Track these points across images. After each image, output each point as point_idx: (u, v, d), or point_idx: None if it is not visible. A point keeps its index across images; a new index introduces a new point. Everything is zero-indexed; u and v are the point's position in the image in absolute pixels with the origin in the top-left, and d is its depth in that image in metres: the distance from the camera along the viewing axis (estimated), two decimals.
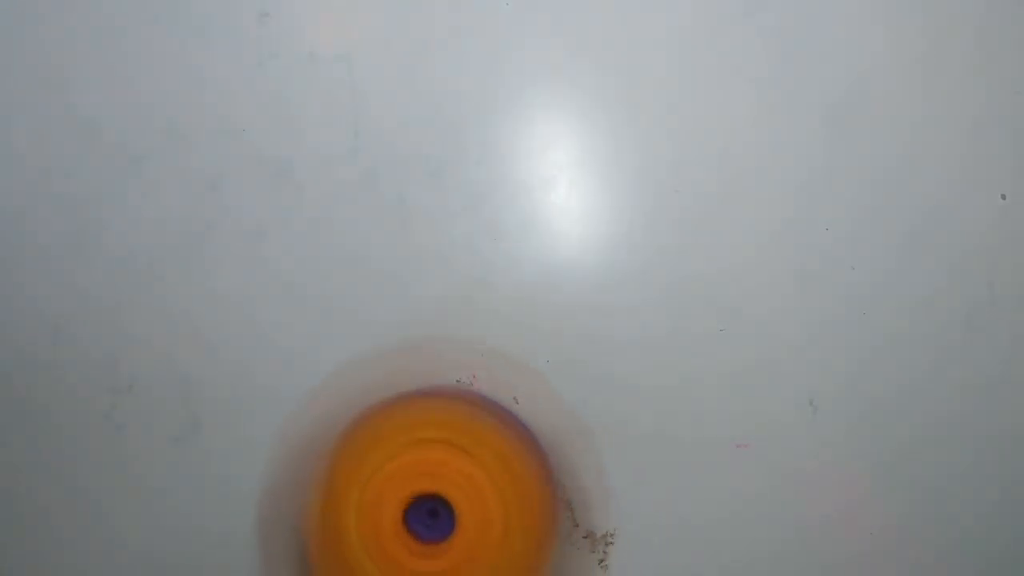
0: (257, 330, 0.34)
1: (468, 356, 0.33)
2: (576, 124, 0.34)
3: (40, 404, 0.33)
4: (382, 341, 0.33)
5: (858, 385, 0.33)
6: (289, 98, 0.35)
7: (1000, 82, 0.34)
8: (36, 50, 0.35)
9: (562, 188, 0.34)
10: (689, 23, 0.35)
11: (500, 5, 0.35)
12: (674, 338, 0.33)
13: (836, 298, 0.34)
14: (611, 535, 0.33)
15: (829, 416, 0.33)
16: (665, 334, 0.33)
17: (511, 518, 0.29)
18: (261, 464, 0.33)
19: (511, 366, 0.33)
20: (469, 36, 0.35)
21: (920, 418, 0.33)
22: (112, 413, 0.33)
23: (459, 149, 0.34)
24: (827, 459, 0.33)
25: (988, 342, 0.33)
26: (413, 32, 0.35)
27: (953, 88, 0.34)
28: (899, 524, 0.33)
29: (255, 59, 0.35)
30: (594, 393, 0.33)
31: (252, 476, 0.33)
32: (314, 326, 0.33)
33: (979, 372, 0.33)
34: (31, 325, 0.34)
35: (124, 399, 0.33)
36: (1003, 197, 0.34)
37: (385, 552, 0.29)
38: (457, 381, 0.33)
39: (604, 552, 0.33)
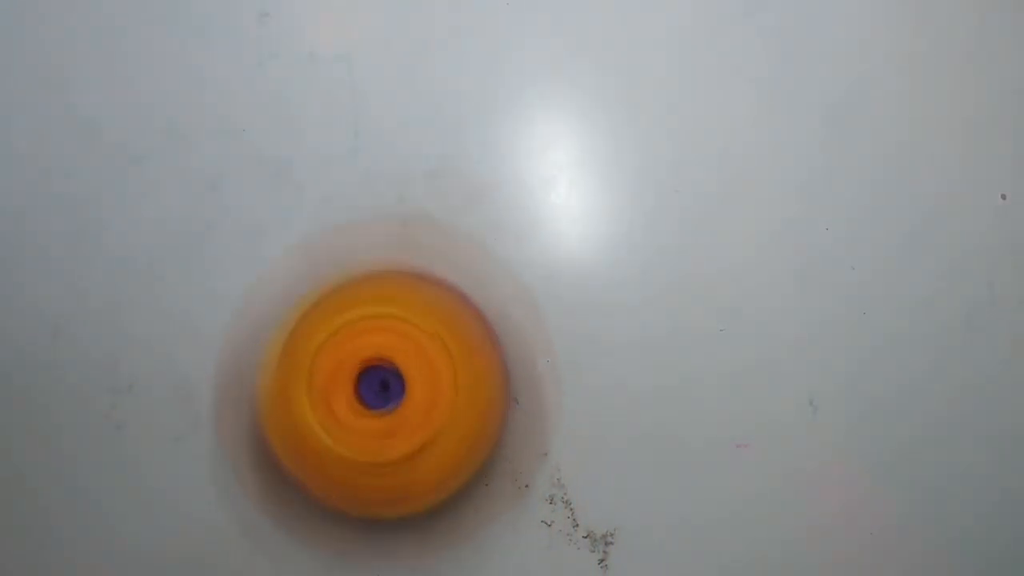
0: (258, 329, 0.34)
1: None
2: (576, 124, 0.34)
3: (40, 404, 0.33)
4: None
5: (858, 385, 0.33)
6: (289, 98, 0.35)
7: (1000, 82, 0.34)
8: (36, 50, 0.35)
9: (562, 188, 0.34)
10: (689, 23, 0.35)
11: (500, 5, 0.35)
12: (674, 338, 0.33)
13: (836, 298, 0.34)
14: (611, 535, 0.33)
15: (829, 416, 0.33)
16: (665, 334, 0.33)
17: (460, 385, 0.30)
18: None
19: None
20: (469, 36, 0.35)
21: (920, 418, 0.33)
22: (112, 413, 0.33)
23: (459, 149, 0.34)
24: (827, 459, 0.33)
25: (988, 342, 0.33)
26: (413, 32, 0.35)
27: (953, 88, 0.34)
28: (899, 524, 0.33)
29: (255, 59, 0.35)
30: (595, 392, 0.33)
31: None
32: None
33: (979, 372, 0.33)
34: (31, 325, 0.34)
35: (124, 399, 0.33)
36: (1003, 197, 0.34)
37: (336, 419, 0.29)
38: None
39: (604, 552, 0.33)
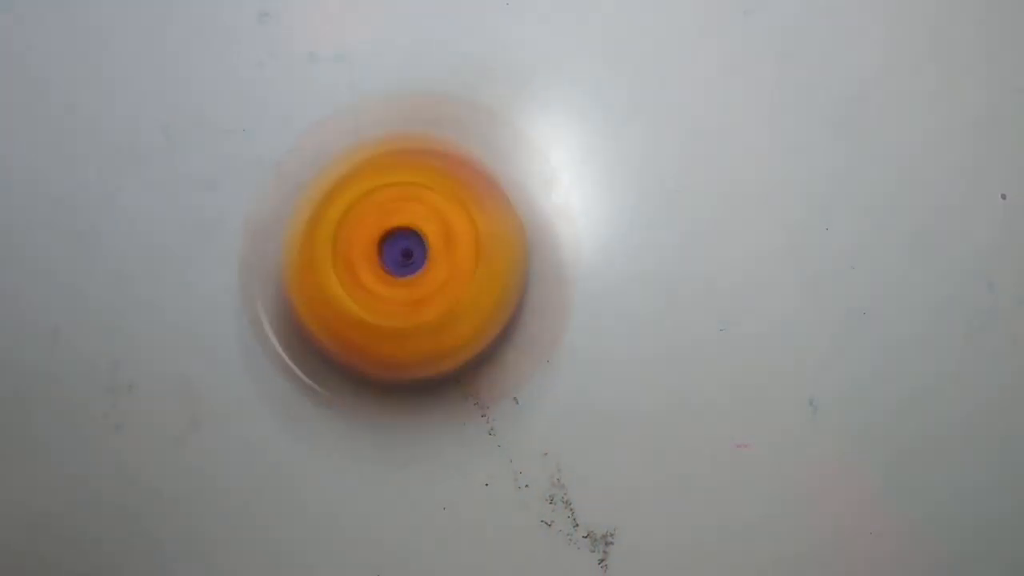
0: (258, 329, 0.34)
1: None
2: (576, 124, 0.34)
3: (40, 404, 0.33)
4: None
5: (858, 385, 0.33)
6: (289, 98, 0.35)
7: (1000, 82, 0.34)
8: (36, 50, 0.35)
9: (562, 188, 0.34)
10: (692, 23, 0.35)
11: (500, 5, 0.35)
12: (674, 338, 0.33)
13: (836, 298, 0.34)
14: (611, 535, 0.33)
15: (829, 416, 0.33)
16: (665, 334, 0.33)
17: (482, 251, 0.30)
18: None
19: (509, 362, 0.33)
20: (469, 36, 0.35)
21: (920, 418, 0.33)
22: (112, 413, 0.33)
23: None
24: (827, 459, 0.33)
25: (988, 342, 0.33)
26: (413, 32, 0.35)
27: (953, 88, 0.34)
28: (899, 524, 0.33)
29: (255, 59, 0.35)
30: (594, 391, 0.33)
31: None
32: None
33: (979, 372, 0.33)
34: (31, 325, 0.34)
35: (124, 399, 0.33)
36: (1003, 197, 0.34)
37: (361, 286, 0.30)
38: (457, 382, 0.33)
39: (604, 552, 0.33)
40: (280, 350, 0.33)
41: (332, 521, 0.33)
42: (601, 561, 0.33)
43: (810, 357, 0.33)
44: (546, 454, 0.33)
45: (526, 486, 0.33)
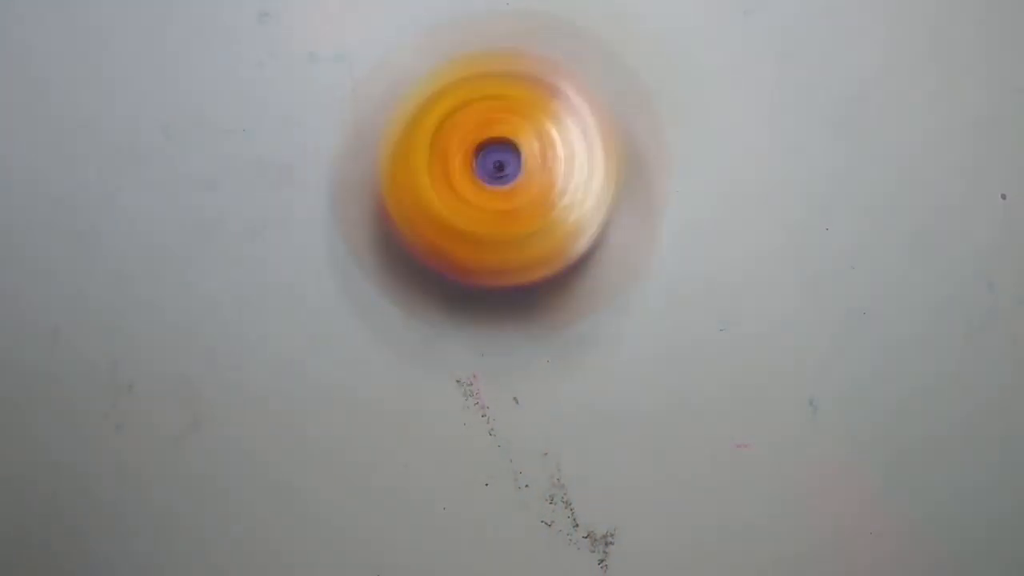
0: (258, 329, 0.34)
1: None
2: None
3: (40, 404, 0.33)
4: (384, 343, 0.33)
5: (858, 385, 0.33)
6: (289, 98, 0.35)
7: (1000, 82, 0.34)
8: (36, 50, 0.35)
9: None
10: (691, 23, 0.35)
11: (500, 5, 0.35)
12: (674, 338, 0.33)
13: (836, 298, 0.34)
14: (611, 535, 0.33)
15: (829, 416, 0.33)
16: (665, 334, 0.33)
17: (575, 165, 0.31)
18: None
19: (510, 362, 0.33)
20: (469, 36, 0.35)
21: (920, 418, 0.33)
22: (112, 413, 0.33)
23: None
24: (827, 459, 0.33)
25: (988, 342, 0.33)
26: (413, 32, 0.35)
27: (953, 88, 0.34)
28: (899, 524, 0.33)
29: (255, 59, 0.35)
30: (594, 390, 0.33)
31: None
32: (314, 326, 0.33)
33: (979, 372, 0.33)
34: (31, 325, 0.34)
35: (124, 399, 0.33)
36: (1003, 197, 0.34)
37: (456, 194, 0.31)
38: (457, 382, 0.33)
39: (604, 552, 0.33)
40: (372, 262, 0.34)
41: (422, 430, 0.33)
42: (601, 561, 0.33)
43: (810, 357, 0.33)
44: (546, 454, 0.33)
45: (526, 486, 0.33)
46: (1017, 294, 0.34)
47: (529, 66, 0.33)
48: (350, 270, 0.34)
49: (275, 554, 0.33)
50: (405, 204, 0.32)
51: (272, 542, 0.33)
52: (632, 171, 0.33)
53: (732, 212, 0.34)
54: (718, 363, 0.33)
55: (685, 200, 0.34)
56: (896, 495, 0.33)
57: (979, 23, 0.35)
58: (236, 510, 0.33)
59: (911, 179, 0.34)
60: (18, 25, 0.35)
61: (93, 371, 0.33)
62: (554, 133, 0.31)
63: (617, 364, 0.33)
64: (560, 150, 0.31)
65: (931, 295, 0.33)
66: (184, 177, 0.34)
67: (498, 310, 0.33)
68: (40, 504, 0.33)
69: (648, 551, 0.33)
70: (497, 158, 0.32)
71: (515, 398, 0.33)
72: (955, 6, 0.35)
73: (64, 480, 0.33)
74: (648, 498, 0.33)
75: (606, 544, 0.33)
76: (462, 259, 0.31)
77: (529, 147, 0.31)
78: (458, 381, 0.33)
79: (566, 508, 0.33)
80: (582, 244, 0.32)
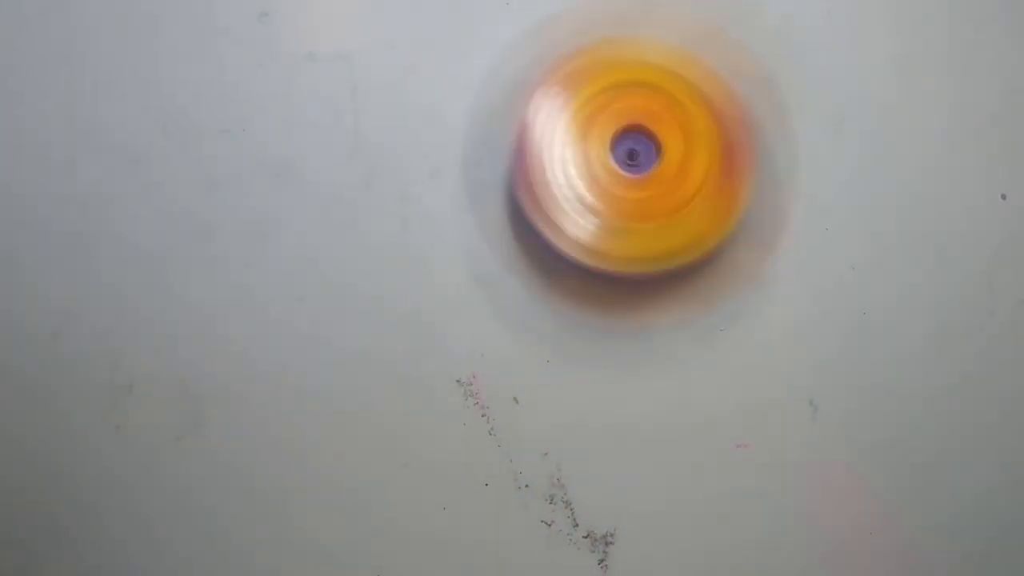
0: (258, 330, 0.34)
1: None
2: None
3: (40, 404, 0.33)
4: (384, 343, 0.33)
5: (858, 385, 0.33)
6: (289, 98, 0.35)
7: (1000, 82, 0.34)
8: (36, 50, 0.35)
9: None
10: (690, 23, 0.35)
11: (500, 5, 0.35)
12: (674, 338, 0.33)
13: (836, 298, 0.34)
14: (611, 535, 0.33)
15: (829, 416, 0.33)
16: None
17: (713, 156, 0.31)
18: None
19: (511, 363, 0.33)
20: (469, 36, 0.35)
21: (920, 418, 0.33)
22: (112, 413, 0.33)
23: (459, 149, 0.34)
24: (827, 459, 0.33)
25: (988, 342, 0.33)
26: (413, 32, 0.35)
27: (954, 88, 0.34)
28: (898, 523, 0.33)
29: (255, 59, 0.35)
30: (596, 389, 0.33)
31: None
32: (314, 327, 0.33)
33: (979, 372, 0.33)
34: (31, 325, 0.34)
35: (124, 399, 0.33)
36: (1003, 197, 0.34)
37: (595, 180, 0.31)
38: (457, 382, 0.33)
39: (604, 552, 0.33)
40: (505, 244, 0.34)
41: (422, 430, 0.33)
42: (601, 561, 0.33)
43: (810, 357, 0.33)
44: (546, 454, 0.33)
45: (526, 486, 0.33)
46: (1017, 294, 0.34)
47: (674, 59, 0.33)
48: (482, 248, 0.34)
49: (275, 554, 0.33)
50: (540, 162, 0.32)
51: (272, 542, 0.33)
52: (575, 510, 0.33)
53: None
54: (718, 363, 0.33)
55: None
56: (896, 494, 0.33)
57: (980, 24, 0.35)
58: (236, 510, 0.33)
59: (912, 179, 0.34)
60: (18, 25, 0.35)
61: (93, 371, 0.33)
62: (700, 130, 0.31)
63: (616, 364, 0.33)
64: (704, 147, 0.31)
65: (931, 295, 0.33)
66: (184, 177, 0.34)
67: (633, 296, 0.33)
68: (40, 504, 0.33)
69: (648, 551, 0.33)
70: (631, 146, 0.32)
71: (515, 398, 0.33)
72: (956, 7, 0.35)
73: (64, 480, 0.33)
74: (648, 498, 0.33)
75: (606, 544, 0.33)
76: (598, 245, 0.31)
77: (672, 140, 0.31)
78: (458, 381, 0.33)
79: (566, 508, 0.33)
80: (720, 231, 0.32)
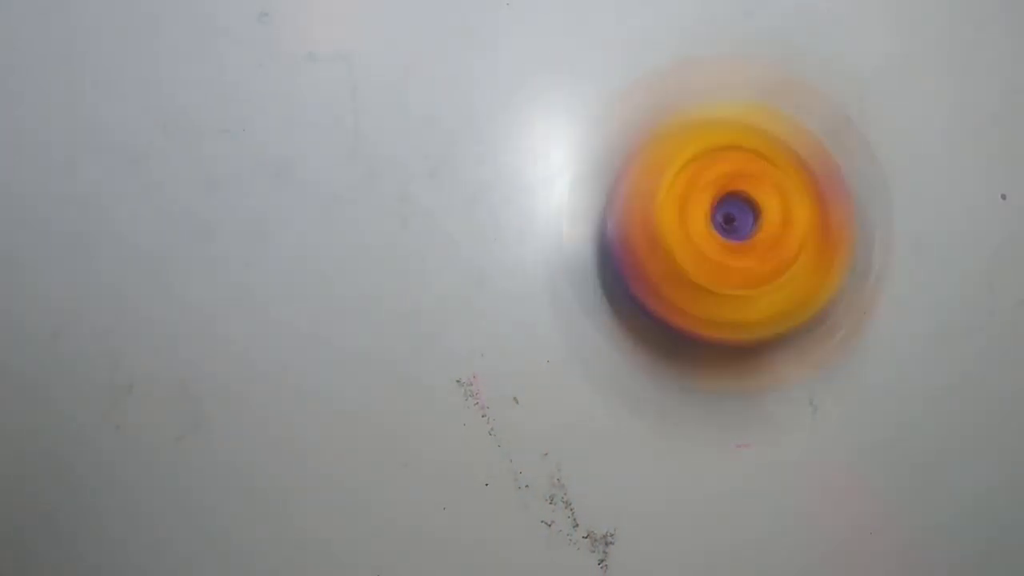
0: (258, 330, 0.34)
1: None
2: (577, 124, 0.34)
3: (40, 404, 0.33)
4: (384, 344, 0.33)
5: (858, 385, 0.33)
6: (289, 98, 0.35)
7: (1000, 82, 0.34)
8: (37, 50, 0.35)
9: (562, 188, 0.34)
10: (691, 23, 0.35)
11: (500, 5, 0.35)
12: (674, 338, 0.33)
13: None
14: (611, 535, 0.33)
15: (829, 416, 0.33)
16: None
17: (813, 226, 0.30)
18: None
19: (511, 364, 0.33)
20: (469, 36, 0.35)
21: (920, 418, 0.33)
22: (112, 413, 0.33)
23: (459, 149, 0.34)
24: (827, 459, 0.33)
25: (988, 342, 0.33)
26: (413, 32, 0.35)
27: (954, 88, 0.34)
28: (898, 523, 0.33)
29: (255, 59, 0.35)
30: (594, 391, 0.33)
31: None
32: (314, 327, 0.33)
33: (979, 372, 0.33)
34: (31, 325, 0.34)
35: (124, 399, 0.33)
36: (1003, 197, 0.34)
37: (695, 247, 0.30)
38: (457, 382, 0.33)
39: (604, 552, 0.33)
40: (602, 315, 0.33)
41: (422, 430, 0.33)
42: (601, 561, 0.33)
43: (810, 357, 0.33)
44: (546, 454, 0.33)
45: (526, 486, 0.33)
46: (1017, 294, 0.34)
47: (776, 123, 0.32)
48: (571, 305, 0.33)
49: (275, 554, 0.33)
50: (640, 236, 0.31)
51: (272, 542, 0.33)
52: (575, 510, 0.33)
53: None
54: (719, 363, 0.33)
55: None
56: (896, 494, 0.33)
57: (980, 23, 0.35)
58: (236, 510, 0.33)
59: (911, 179, 0.34)
60: (18, 25, 0.35)
61: (93, 371, 0.33)
62: (799, 199, 0.30)
63: (616, 365, 0.33)
64: (802, 218, 0.30)
65: (931, 295, 0.33)
66: (184, 177, 0.34)
67: (700, 358, 0.33)
68: (39, 503, 0.33)
69: (648, 551, 0.33)
70: (728, 210, 0.31)
71: (515, 398, 0.33)
72: (956, 7, 0.35)
73: (64, 480, 0.33)
74: (648, 498, 0.33)
75: (606, 544, 0.33)
76: (681, 304, 0.30)
77: (772, 209, 0.30)
78: (458, 381, 0.33)
79: (566, 508, 0.33)
80: (813, 303, 0.31)
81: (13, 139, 0.35)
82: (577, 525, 0.33)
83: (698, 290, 0.30)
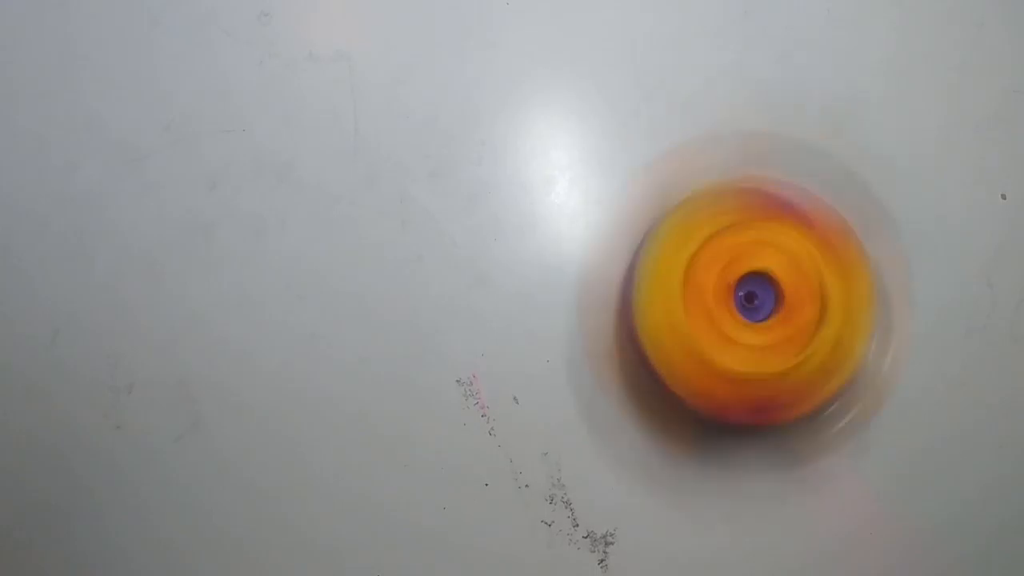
0: (257, 330, 0.34)
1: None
2: (576, 124, 0.34)
3: (40, 404, 0.33)
4: (384, 344, 0.33)
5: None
6: (289, 98, 0.35)
7: (1000, 82, 0.34)
8: (37, 50, 0.35)
9: (562, 188, 0.34)
10: (691, 23, 0.35)
11: (500, 5, 0.35)
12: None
13: None
14: (611, 535, 0.33)
15: (828, 415, 0.33)
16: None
17: (835, 301, 0.29)
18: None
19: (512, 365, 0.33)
20: (469, 36, 0.35)
21: (920, 418, 0.33)
22: (112, 413, 0.33)
23: (459, 149, 0.34)
24: (826, 459, 0.33)
25: (988, 342, 0.33)
26: (413, 32, 0.35)
27: (953, 88, 0.34)
28: (898, 523, 0.33)
29: (255, 59, 0.35)
30: (595, 391, 0.33)
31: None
32: (314, 327, 0.33)
33: (979, 372, 0.33)
34: (31, 325, 0.34)
35: (124, 399, 0.33)
36: (1003, 197, 0.34)
37: (716, 327, 0.29)
38: (457, 381, 0.33)
39: (604, 552, 0.33)
40: (612, 380, 0.33)
41: (422, 430, 0.33)
42: (601, 561, 0.33)
43: None
44: (546, 454, 0.33)
45: (526, 486, 0.33)
46: (1017, 294, 0.34)
47: (782, 192, 0.32)
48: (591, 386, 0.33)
49: (275, 554, 0.33)
50: (656, 328, 0.30)
51: (272, 542, 0.33)
52: (575, 510, 0.33)
53: None
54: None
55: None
56: (895, 494, 0.33)
57: (979, 23, 0.35)
58: (235, 510, 0.33)
59: (911, 179, 0.34)
60: (19, 25, 0.35)
61: (93, 371, 0.33)
62: (815, 269, 0.30)
63: (617, 366, 0.33)
64: (818, 277, 0.29)
65: (931, 295, 0.33)
66: (184, 177, 0.34)
67: (743, 444, 0.33)
68: (40, 503, 0.33)
69: (648, 551, 0.33)
70: (749, 289, 0.30)
71: (515, 398, 0.33)
72: (955, 7, 0.35)
73: (64, 479, 0.33)
74: (648, 498, 0.33)
75: (606, 544, 0.33)
76: (716, 394, 0.30)
77: (790, 279, 0.30)
78: (458, 381, 0.33)
79: (566, 508, 0.33)
80: (837, 383, 0.30)
81: (13, 139, 0.35)
82: (577, 525, 0.33)
83: (728, 376, 0.29)
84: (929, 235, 0.34)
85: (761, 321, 0.30)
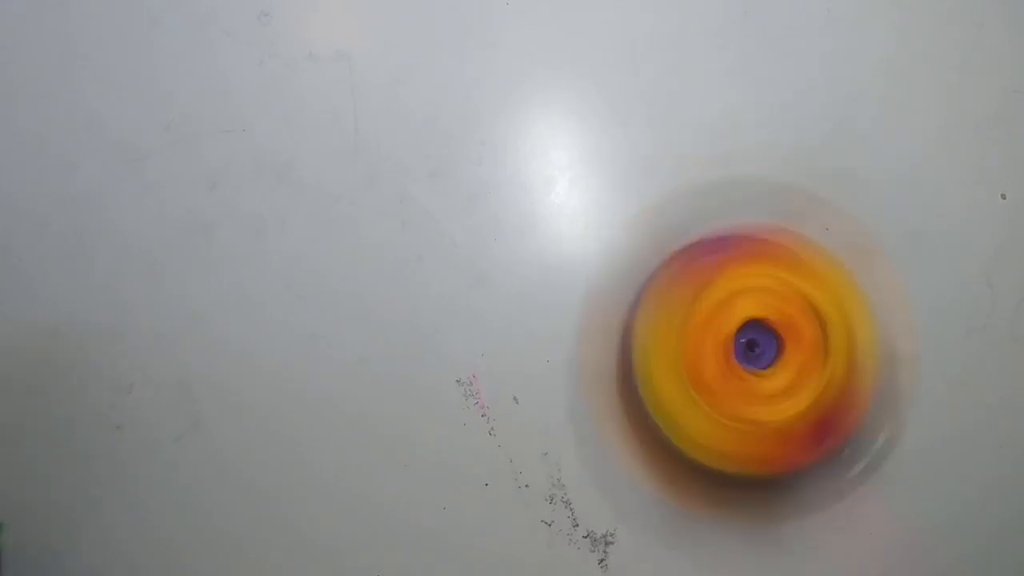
0: (257, 330, 0.34)
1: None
2: (576, 124, 0.34)
3: (40, 403, 0.33)
4: (384, 344, 0.33)
5: None
6: (289, 98, 0.35)
7: (1000, 82, 0.34)
8: (38, 50, 0.35)
9: (562, 188, 0.34)
10: (690, 23, 0.35)
11: (500, 5, 0.35)
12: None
13: None
14: (611, 535, 0.33)
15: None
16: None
17: (826, 306, 0.30)
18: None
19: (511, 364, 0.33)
20: (469, 36, 0.35)
21: (919, 418, 0.33)
22: (112, 413, 0.33)
23: (459, 149, 0.34)
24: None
25: (988, 342, 0.33)
26: (413, 32, 0.35)
27: (953, 88, 0.34)
28: (897, 523, 0.33)
29: (255, 59, 0.35)
30: (594, 392, 0.33)
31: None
32: (314, 327, 0.33)
33: (979, 371, 0.33)
34: (32, 325, 0.34)
35: (124, 399, 0.33)
36: (1003, 197, 0.34)
37: (722, 383, 0.29)
38: (457, 381, 0.33)
39: (604, 552, 0.33)
40: (612, 429, 0.33)
41: (422, 430, 0.33)
42: (601, 561, 0.33)
43: None
44: (546, 454, 0.33)
45: (526, 486, 0.33)
46: (1017, 294, 0.34)
47: (769, 238, 0.32)
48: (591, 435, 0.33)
49: (275, 554, 0.33)
50: (657, 399, 0.30)
51: (272, 542, 0.33)
52: (575, 510, 0.33)
53: (731, 211, 0.34)
54: None
55: (685, 199, 0.34)
56: (895, 494, 0.33)
57: (979, 24, 0.35)
58: (235, 509, 0.33)
59: (911, 179, 0.34)
60: (19, 25, 0.35)
61: (93, 371, 0.33)
62: (788, 290, 0.30)
63: (616, 367, 0.33)
64: (804, 302, 0.30)
65: (931, 295, 0.33)
66: (184, 177, 0.34)
67: (742, 494, 0.32)
68: (40, 503, 0.33)
69: (648, 551, 0.33)
70: (746, 337, 0.30)
71: (515, 398, 0.33)
72: (955, 7, 0.35)
73: (64, 479, 0.33)
74: (648, 498, 0.33)
75: (606, 544, 0.33)
76: (719, 445, 0.30)
77: (789, 327, 0.30)
78: (458, 381, 0.33)
79: (566, 508, 0.33)
80: (844, 429, 0.30)
81: (13, 139, 0.35)
82: (577, 525, 0.33)
83: (736, 428, 0.29)
84: (929, 235, 0.34)
85: (773, 362, 0.30)
